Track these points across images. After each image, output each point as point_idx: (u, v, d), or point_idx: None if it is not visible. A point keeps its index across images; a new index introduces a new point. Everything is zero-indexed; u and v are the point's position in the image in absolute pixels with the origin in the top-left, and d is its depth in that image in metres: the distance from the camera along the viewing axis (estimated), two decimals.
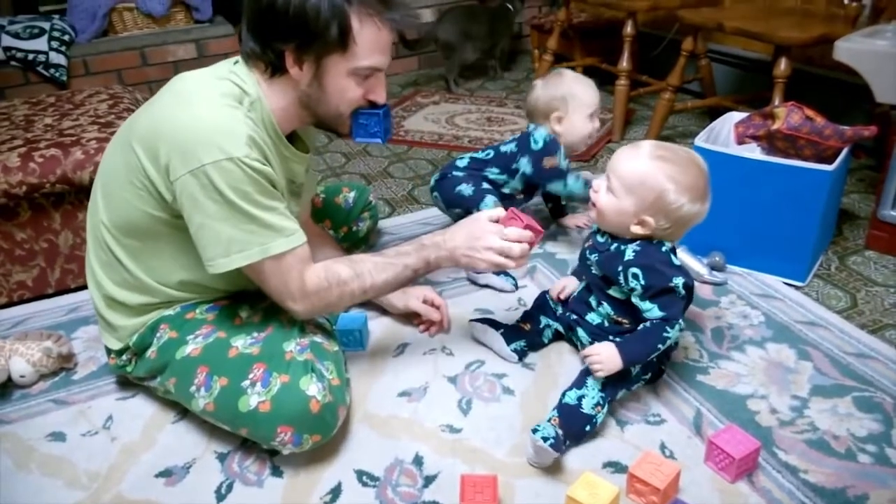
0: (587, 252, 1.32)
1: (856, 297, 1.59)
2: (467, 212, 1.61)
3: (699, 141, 1.66)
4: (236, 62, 1.19)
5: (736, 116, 1.81)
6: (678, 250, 1.65)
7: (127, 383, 1.40)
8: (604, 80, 3.08)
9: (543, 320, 1.43)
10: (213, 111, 1.09)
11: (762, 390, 1.31)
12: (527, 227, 1.24)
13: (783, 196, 1.55)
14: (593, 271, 1.30)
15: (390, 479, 1.17)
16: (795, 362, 1.38)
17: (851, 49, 1.73)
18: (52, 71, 2.75)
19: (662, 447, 1.20)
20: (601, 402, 1.19)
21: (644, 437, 1.22)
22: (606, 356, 1.18)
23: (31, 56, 2.69)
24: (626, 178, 1.18)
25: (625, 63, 2.47)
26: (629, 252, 1.21)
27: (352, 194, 1.74)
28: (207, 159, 1.06)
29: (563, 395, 1.21)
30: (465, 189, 1.74)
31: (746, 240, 1.65)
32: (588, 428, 1.18)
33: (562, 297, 1.41)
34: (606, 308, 1.29)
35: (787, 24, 2.03)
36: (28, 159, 1.59)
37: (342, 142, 2.69)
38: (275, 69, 1.15)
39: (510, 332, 1.41)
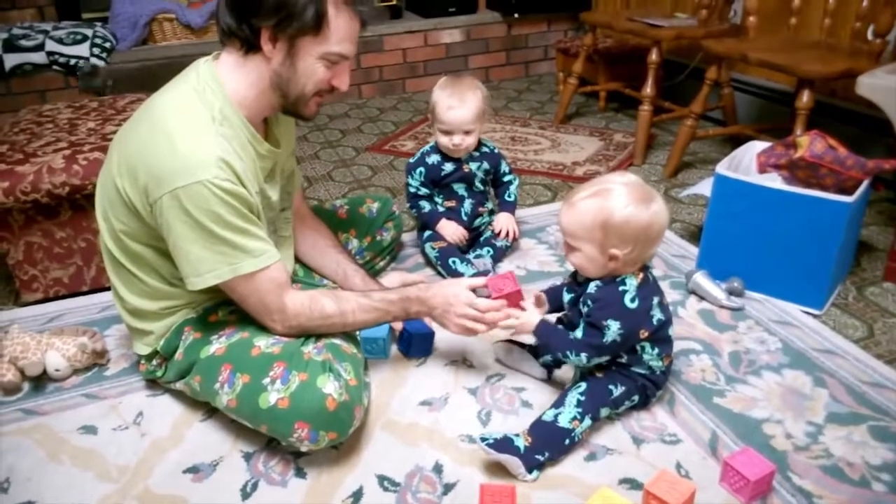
0: (565, 290, 1.37)
1: (872, 327, 1.61)
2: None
3: (721, 169, 1.69)
4: (206, 61, 1.25)
5: (758, 146, 1.84)
6: (698, 274, 1.70)
7: (158, 382, 1.45)
8: (627, 105, 3.14)
9: None
10: (184, 139, 1.15)
11: (778, 415, 1.33)
12: (506, 296, 1.33)
13: (803, 225, 1.58)
14: (567, 307, 1.37)
15: (410, 485, 1.20)
16: (811, 389, 1.40)
17: (874, 85, 1.75)
18: None
19: (678, 466, 1.22)
20: (578, 416, 1.23)
21: (660, 456, 1.24)
22: (525, 319, 1.32)
23: (72, 61, 2.78)
24: (573, 230, 1.25)
25: (649, 89, 2.51)
26: (592, 286, 1.27)
27: (375, 205, 1.80)
28: (178, 183, 1.12)
29: (542, 414, 1.26)
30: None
31: (765, 267, 1.67)
32: (567, 441, 1.22)
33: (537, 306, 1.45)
34: None
35: (811, 58, 2.06)
36: (72, 161, 1.65)
37: (369, 155, 2.75)
38: (249, 46, 1.20)
39: (536, 350, 1.44)
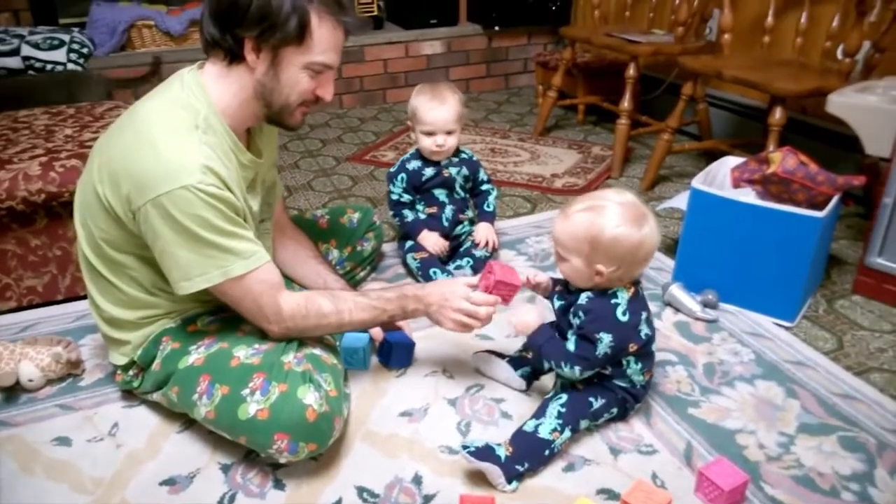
0: (554, 297, 1.38)
1: (842, 339, 1.65)
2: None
3: (696, 183, 1.72)
4: (190, 70, 1.25)
5: (732, 161, 1.88)
6: (674, 287, 1.73)
7: (134, 393, 1.43)
8: (605, 118, 3.18)
9: None
10: (168, 146, 1.15)
11: (751, 426, 1.36)
12: (498, 282, 1.33)
13: (775, 239, 1.62)
14: (556, 315, 1.38)
15: (390, 496, 1.20)
16: (783, 400, 1.43)
17: (843, 103, 1.81)
18: None
19: (654, 477, 1.24)
20: (558, 428, 1.25)
21: (636, 466, 1.26)
22: (525, 321, 1.32)
23: (48, 66, 2.74)
24: (563, 241, 1.27)
25: (626, 103, 2.55)
26: (583, 297, 1.29)
27: (356, 215, 1.80)
28: (162, 190, 1.12)
29: (523, 424, 1.27)
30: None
31: (739, 279, 1.71)
32: (547, 452, 1.24)
33: (533, 281, 1.41)
34: None
35: (783, 76, 2.11)
36: (49, 168, 1.63)
37: (350, 165, 2.76)
38: (233, 56, 1.21)
39: (515, 360, 1.46)
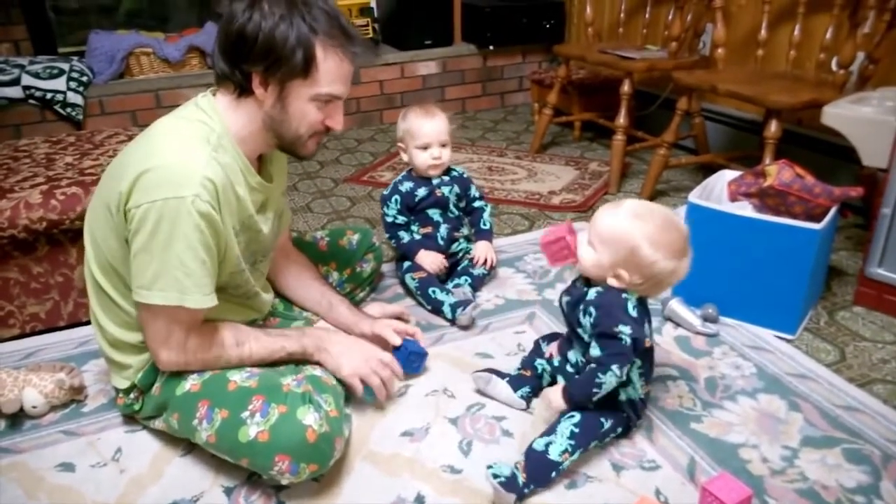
0: (562, 295, 1.38)
1: (844, 351, 1.64)
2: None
3: (693, 197, 1.73)
4: (204, 95, 1.28)
5: (729, 174, 1.89)
6: (674, 301, 1.73)
7: (135, 417, 1.43)
8: (601, 135, 3.20)
9: (539, 365, 1.47)
10: (176, 152, 1.17)
11: (754, 440, 1.35)
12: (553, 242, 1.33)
13: (774, 252, 1.62)
14: (565, 313, 1.37)
15: None
16: (786, 413, 1.42)
17: (839, 115, 1.82)
18: (68, 110, 2.83)
19: (657, 493, 1.23)
20: (569, 449, 1.23)
21: (639, 483, 1.26)
22: (554, 397, 1.29)
23: (49, 95, 2.77)
24: (602, 233, 1.25)
25: (622, 119, 2.57)
26: (592, 292, 1.28)
27: (355, 237, 1.81)
28: (159, 195, 1.13)
29: (533, 441, 1.26)
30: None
31: (739, 293, 1.71)
32: (554, 474, 1.23)
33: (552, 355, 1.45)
34: (577, 352, 1.35)
35: (778, 89, 2.13)
36: (50, 196, 1.65)
37: (348, 186, 2.77)
38: (242, 90, 1.23)
39: (515, 380, 1.46)
